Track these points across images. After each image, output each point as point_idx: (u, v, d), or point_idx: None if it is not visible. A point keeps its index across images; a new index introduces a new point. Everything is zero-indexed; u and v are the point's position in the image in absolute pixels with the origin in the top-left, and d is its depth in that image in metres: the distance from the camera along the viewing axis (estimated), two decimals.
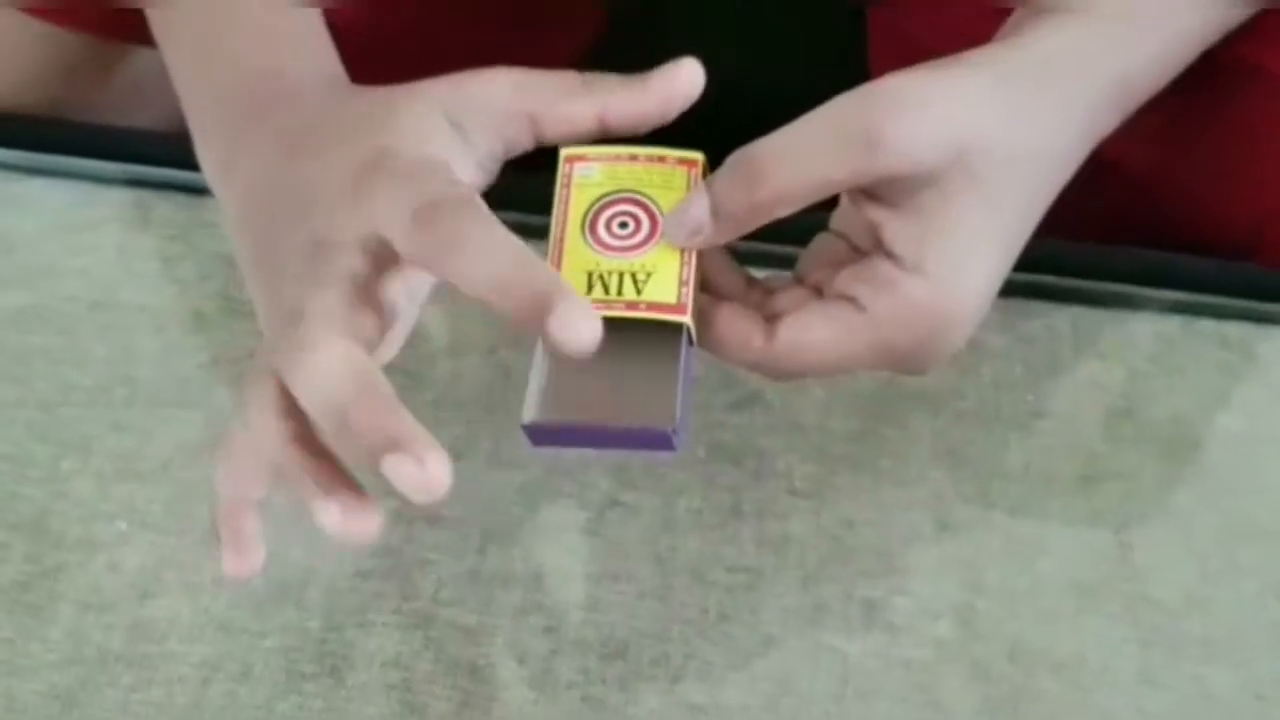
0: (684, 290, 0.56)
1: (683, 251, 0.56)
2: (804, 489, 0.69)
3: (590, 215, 0.57)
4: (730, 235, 0.56)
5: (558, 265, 0.56)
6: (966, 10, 0.68)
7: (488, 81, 0.58)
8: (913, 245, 0.56)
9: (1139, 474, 0.69)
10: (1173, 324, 0.74)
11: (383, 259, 0.54)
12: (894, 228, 0.56)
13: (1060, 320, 0.73)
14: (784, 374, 0.58)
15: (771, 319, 0.57)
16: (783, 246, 0.62)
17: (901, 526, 0.68)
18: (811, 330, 0.56)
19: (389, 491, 0.49)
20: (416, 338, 0.57)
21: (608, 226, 0.57)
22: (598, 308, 0.55)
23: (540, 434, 0.55)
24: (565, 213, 0.57)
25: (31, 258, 0.75)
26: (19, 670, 0.64)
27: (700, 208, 0.56)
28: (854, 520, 0.68)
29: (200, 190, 0.71)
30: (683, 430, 0.55)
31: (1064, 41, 0.59)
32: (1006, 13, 0.62)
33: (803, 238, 0.61)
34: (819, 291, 0.58)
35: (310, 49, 0.63)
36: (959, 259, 0.56)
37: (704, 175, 0.58)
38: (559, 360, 0.56)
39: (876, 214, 0.56)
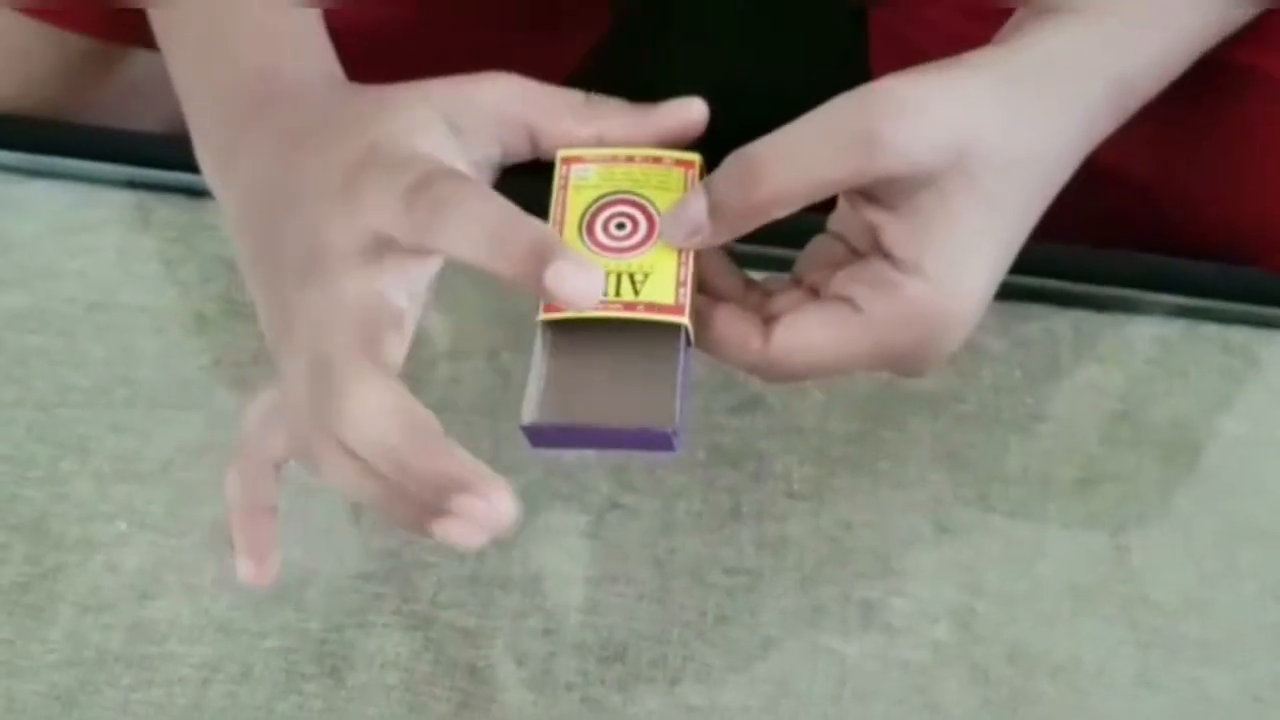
0: (682, 291, 0.56)
1: (680, 252, 0.56)
2: (803, 491, 0.69)
3: (587, 216, 0.57)
4: (728, 235, 0.56)
5: None
6: (966, 13, 0.68)
7: (491, 86, 0.58)
8: (910, 246, 0.56)
9: (1138, 477, 0.69)
10: (1173, 328, 0.74)
11: (382, 261, 0.54)
12: (892, 229, 0.56)
13: (1060, 324, 0.73)
14: (782, 375, 0.58)
15: (769, 320, 0.57)
16: (781, 249, 0.62)
17: (900, 529, 0.68)
18: (809, 331, 0.57)
19: None
20: (417, 341, 0.57)
21: (605, 228, 0.57)
22: (596, 309, 0.55)
23: (539, 435, 0.55)
24: (562, 214, 0.57)
25: (31, 259, 0.75)
26: (19, 671, 0.64)
27: (698, 208, 0.56)
28: (852, 522, 0.68)
29: (201, 193, 0.71)
30: (682, 431, 0.55)
31: (1063, 43, 0.59)
32: (1006, 15, 0.62)
33: (800, 240, 0.61)
34: (816, 293, 0.58)
35: (309, 49, 0.63)
36: (956, 260, 0.56)
37: (701, 176, 0.58)
38: (557, 361, 0.56)
39: (874, 215, 0.56)
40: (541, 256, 0.50)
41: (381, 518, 0.55)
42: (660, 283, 0.56)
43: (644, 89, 0.61)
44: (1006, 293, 0.60)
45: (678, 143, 0.58)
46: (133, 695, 0.63)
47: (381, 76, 0.60)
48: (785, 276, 0.60)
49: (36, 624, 0.65)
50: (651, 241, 0.56)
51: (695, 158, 0.58)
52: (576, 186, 0.58)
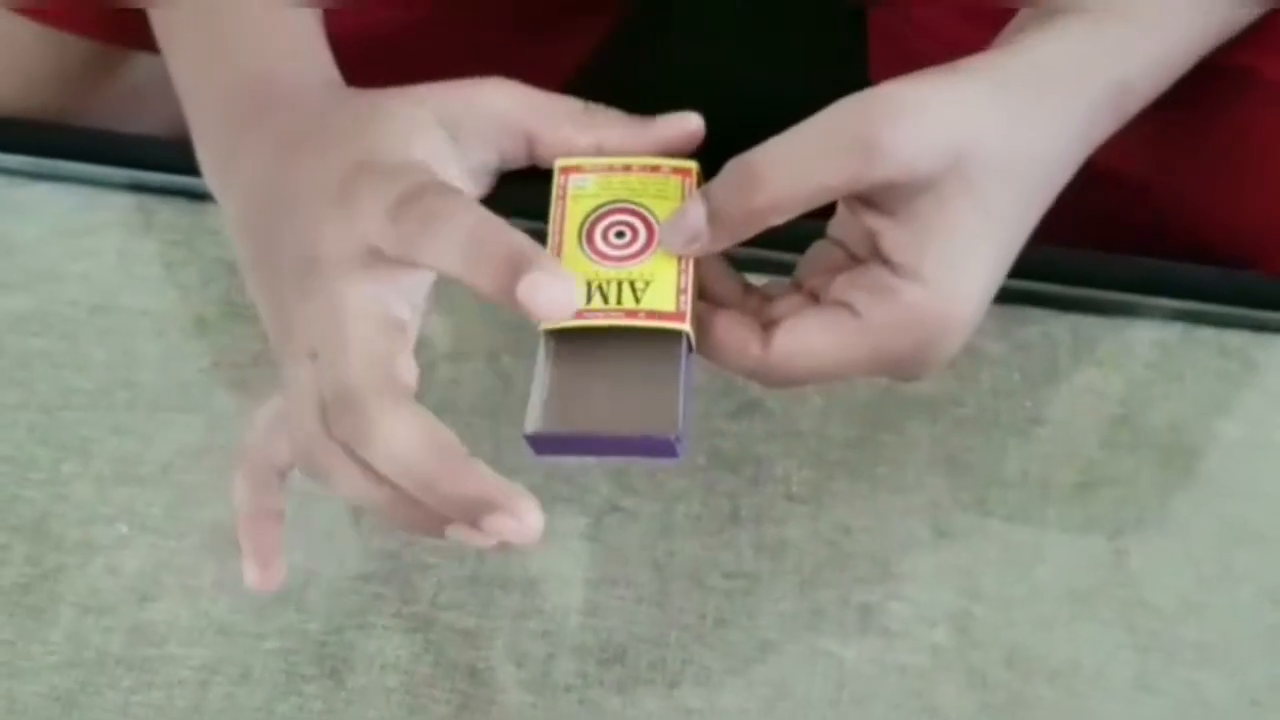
0: (682, 298, 0.56)
1: (680, 259, 0.56)
2: (801, 495, 0.69)
3: (587, 226, 0.57)
4: (727, 242, 0.56)
5: None
6: (964, 15, 0.68)
7: (490, 91, 0.59)
8: (909, 252, 0.56)
9: (1136, 480, 0.70)
10: (1171, 332, 0.74)
11: (377, 270, 0.54)
12: (890, 234, 0.56)
13: (1059, 328, 0.73)
14: (781, 380, 0.58)
15: (769, 325, 0.57)
16: (780, 253, 0.63)
17: (899, 533, 0.68)
18: (808, 336, 0.57)
19: None
20: (417, 344, 0.57)
21: (605, 236, 0.57)
22: (597, 317, 0.55)
23: (543, 444, 0.56)
24: (562, 224, 0.58)
25: (33, 262, 0.75)
26: (19, 672, 0.64)
27: (697, 215, 0.56)
28: (851, 526, 0.68)
29: (202, 196, 0.71)
30: (685, 437, 0.55)
31: (1063, 47, 0.59)
32: (1004, 18, 0.62)
33: (800, 245, 0.61)
34: (816, 298, 0.58)
35: (308, 54, 0.64)
36: (955, 265, 0.56)
37: (698, 183, 0.58)
38: (560, 369, 0.56)
39: (873, 221, 0.57)
40: (516, 268, 0.50)
41: (387, 524, 0.56)
42: (661, 290, 0.56)
43: (644, 90, 0.62)
44: (1005, 296, 0.60)
45: (674, 154, 0.58)
46: (133, 697, 0.63)
47: (384, 78, 0.60)
48: (785, 282, 0.61)
49: (37, 625, 0.65)
50: (651, 249, 0.57)
51: (692, 165, 0.58)
52: (575, 196, 0.58)
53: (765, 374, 0.58)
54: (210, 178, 0.63)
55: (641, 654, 0.65)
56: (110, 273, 0.75)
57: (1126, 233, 0.75)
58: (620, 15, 0.91)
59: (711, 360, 0.58)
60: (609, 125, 0.58)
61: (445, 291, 0.57)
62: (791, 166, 0.55)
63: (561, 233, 0.57)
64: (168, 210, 0.77)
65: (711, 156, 0.58)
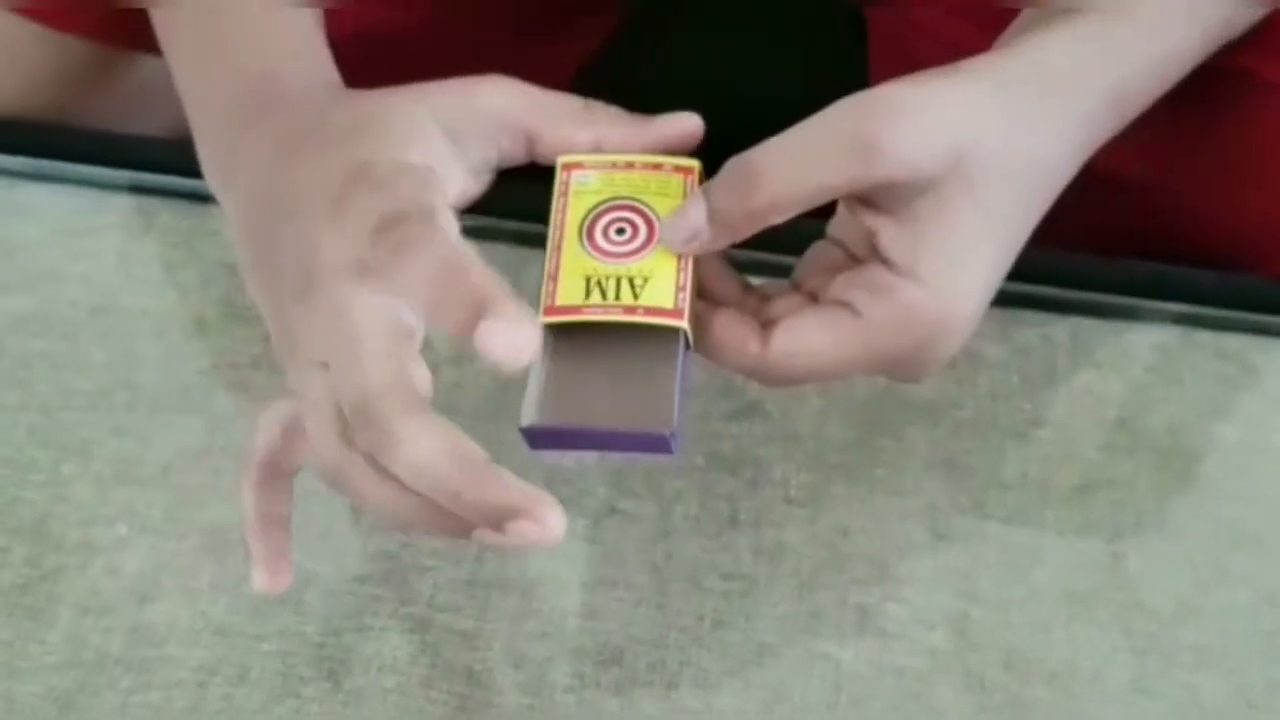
0: (681, 295, 0.56)
1: (680, 257, 0.57)
2: (800, 498, 0.69)
3: (588, 222, 0.57)
4: (727, 241, 0.56)
5: (556, 271, 0.56)
6: (961, 16, 0.68)
7: (490, 90, 0.59)
8: (908, 251, 0.56)
9: (1134, 483, 0.70)
10: (1170, 335, 0.74)
11: (377, 283, 0.54)
12: (889, 234, 0.56)
13: (1058, 331, 0.74)
14: (779, 379, 0.58)
15: (768, 325, 0.57)
16: (780, 256, 0.63)
17: (897, 535, 0.68)
18: (806, 335, 0.57)
19: None
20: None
21: (605, 233, 0.57)
22: (596, 312, 0.56)
23: (539, 437, 0.56)
24: (563, 220, 0.58)
25: (33, 263, 0.75)
26: (18, 673, 0.64)
27: (698, 213, 0.56)
28: (849, 529, 0.68)
29: (203, 197, 0.71)
30: (680, 434, 0.55)
31: (1063, 50, 0.59)
32: (1003, 20, 0.62)
33: (800, 247, 0.61)
34: (815, 298, 0.59)
35: (308, 56, 0.64)
36: (954, 265, 0.56)
37: (700, 182, 0.58)
38: (557, 364, 0.56)
39: (872, 220, 0.57)
40: (477, 312, 0.50)
41: (413, 532, 0.56)
42: (660, 287, 0.56)
43: (645, 90, 0.62)
44: (1004, 299, 0.60)
45: (673, 153, 0.59)
46: (131, 698, 0.63)
47: (385, 78, 0.60)
48: (785, 282, 0.61)
49: (36, 626, 0.65)
50: (651, 246, 0.57)
51: (694, 164, 0.58)
52: (577, 192, 0.58)
53: (763, 373, 0.58)
54: (211, 178, 0.63)
55: (639, 656, 0.65)
56: (110, 274, 0.75)
57: (1126, 236, 0.75)
58: (621, 16, 0.91)
59: (710, 358, 0.58)
60: (609, 123, 0.59)
61: None
62: (791, 166, 0.55)
63: (562, 228, 0.57)
64: (168, 212, 0.77)
65: (711, 156, 0.58)
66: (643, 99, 0.61)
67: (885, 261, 0.56)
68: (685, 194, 0.58)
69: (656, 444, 0.55)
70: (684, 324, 0.56)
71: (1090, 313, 0.74)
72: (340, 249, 0.54)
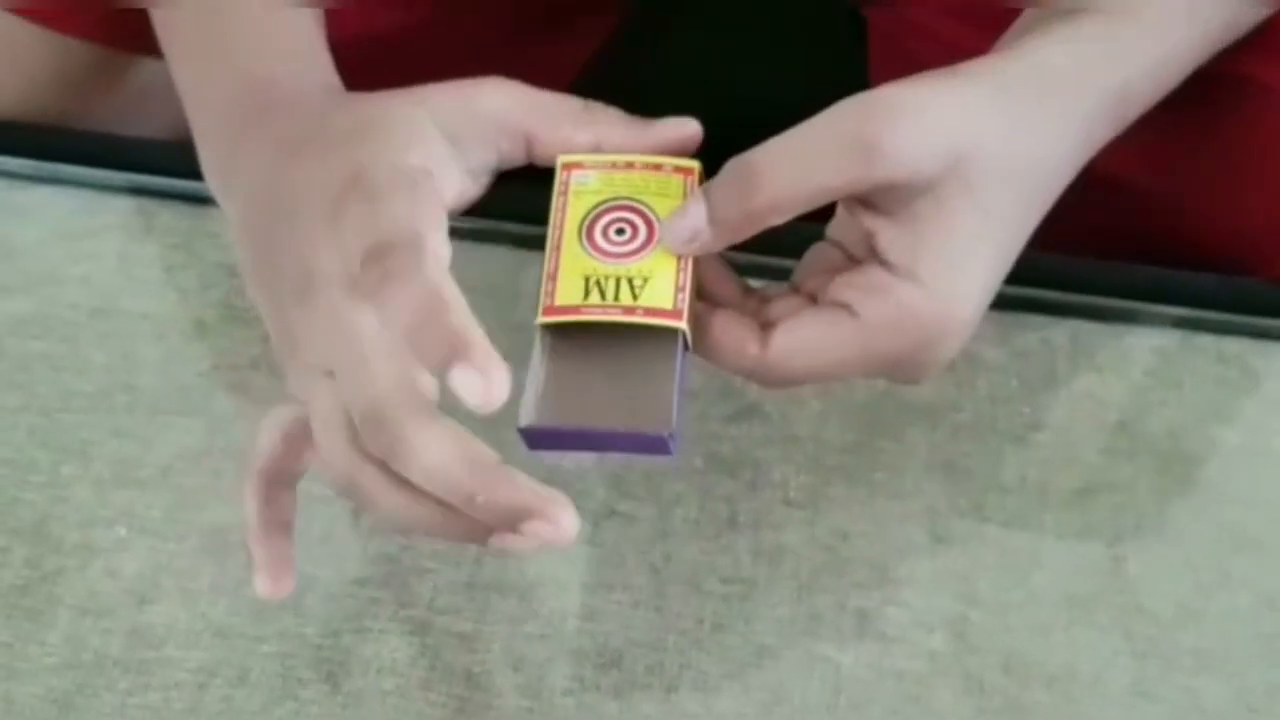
0: (680, 296, 0.56)
1: (679, 258, 0.57)
2: (799, 500, 0.69)
3: (587, 222, 0.57)
4: (727, 242, 0.56)
5: (555, 271, 0.56)
6: (959, 18, 0.68)
7: (490, 92, 0.59)
8: (906, 252, 0.56)
9: (1134, 487, 0.70)
10: (1170, 338, 0.74)
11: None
12: (888, 235, 0.56)
13: (1058, 334, 0.74)
14: (778, 381, 0.58)
15: (767, 326, 0.57)
16: (780, 259, 0.63)
17: (896, 538, 0.68)
18: (805, 337, 0.57)
19: None
20: None
21: (605, 233, 0.57)
22: (595, 312, 0.56)
23: (537, 437, 0.56)
24: (563, 219, 0.58)
25: (33, 265, 0.75)
26: (17, 674, 0.64)
27: (697, 214, 0.56)
28: (849, 532, 0.68)
29: (203, 200, 0.71)
30: (679, 435, 0.55)
31: (1062, 52, 0.59)
32: (1003, 22, 0.62)
33: (799, 249, 0.61)
34: (815, 299, 0.59)
35: (308, 59, 0.64)
36: (952, 266, 0.56)
37: (700, 182, 0.58)
38: (556, 364, 0.56)
39: (871, 221, 0.57)
40: (452, 355, 0.50)
41: (428, 538, 0.56)
42: (659, 288, 0.56)
43: (645, 90, 0.62)
44: (1004, 302, 0.60)
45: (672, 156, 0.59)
46: (130, 699, 0.63)
47: (386, 79, 0.60)
48: (784, 284, 0.61)
49: (35, 627, 0.65)
50: (651, 247, 0.57)
51: (695, 165, 0.58)
52: (577, 192, 0.58)
53: (762, 374, 0.58)
54: (211, 180, 0.64)
55: (639, 659, 0.65)
56: (110, 276, 0.75)
57: (1126, 238, 0.75)
58: (621, 16, 0.91)
59: (709, 359, 0.58)
60: (608, 125, 0.59)
61: None
62: (791, 167, 0.55)
63: (562, 228, 0.57)
64: (168, 214, 0.77)
65: (712, 156, 0.58)
66: (643, 99, 0.61)
67: (884, 263, 0.56)
68: (685, 194, 0.58)
69: (655, 445, 0.55)
70: (683, 325, 0.56)
71: (1090, 316, 0.74)
72: (336, 260, 0.54)
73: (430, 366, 0.51)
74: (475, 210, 0.60)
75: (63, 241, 0.76)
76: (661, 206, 0.57)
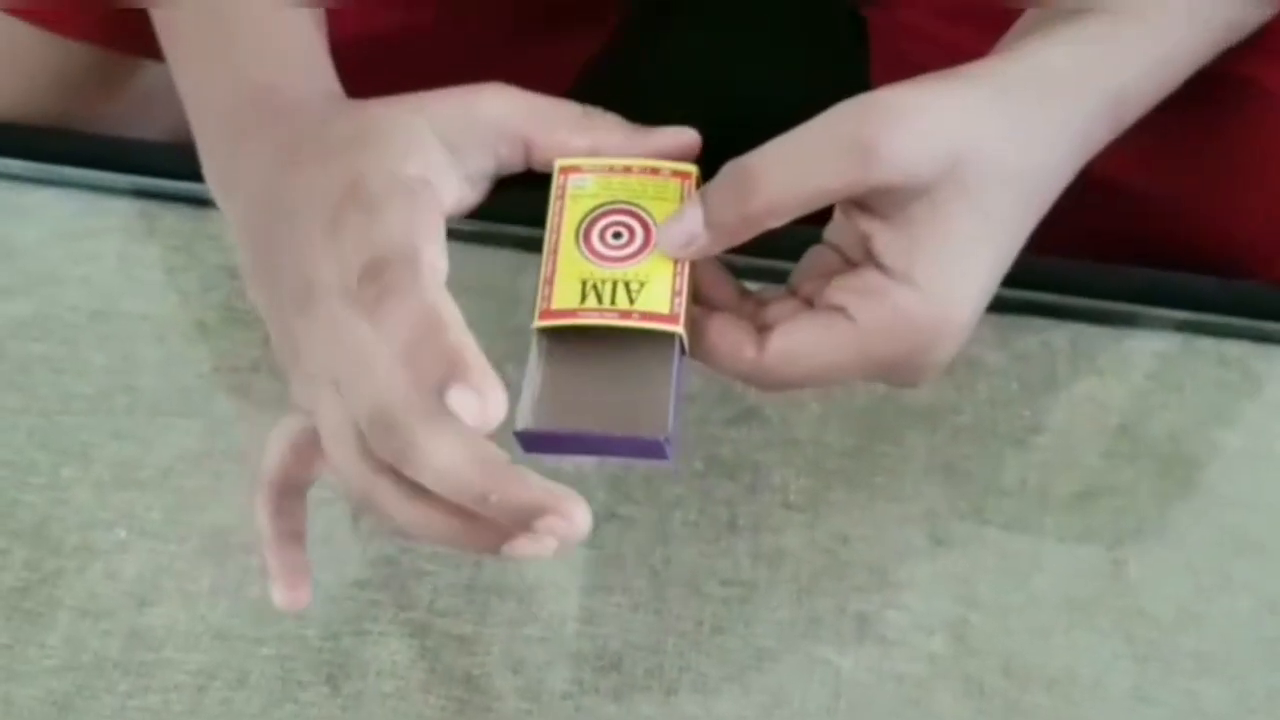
0: (677, 300, 0.56)
1: (676, 262, 0.57)
2: (799, 503, 0.69)
3: (584, 225, 0.57)
4: (723, 245, 0.56)
5: (552, 275, 0.56)
6: (953, 20, 0.68)
7: (489, 98, 0.59)
8: (902, 256, 0.56)
9: (1135, 490, 0.69)
10: (1171, 341, 0.74)
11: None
12: (884, 238, 0.56)
13: (1058, 337, 0.73)
14: (775, 384, 0.58)
15: (763, 330, 0.57)
16: (777, 261, 0.63)
17: (896, 541, 0.68)
18: (801, 340, 0.57)
19: None
20: None
21: (602, 237, 0.57)
22: (591, 317, 0.55)
23: (533, 441, 0.56)
24: (559, 223, 0.58)
25: (34, 266, 0.75)
26: (16, 676, 0.64)
27: (694, 218, 0.56)
28: (848, 535, 0.68)
29: (205, 202, 0.71)
30: (675, 439, 0.55)
31: (1062, 54, 0.59)
32: (1001, 24, 0.62)
33: (797, 252, 0.61)
34: (811, 303, 0.58)
35: (309, 66, 0.64)
36: (948, 270, 0.56)
37: (697, 186, 0.58)
38: (553, 368, 0.56)
39: (867, 224, 0.57)
40: (448, 375, 0.50)
41: (442, 545, 0.56)
42: (656, 292, 0.56)
43: (645, 92, 0.62)
44: (1004, 306, 0.60)
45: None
46: (129, 701, 0.63)
47: (387, 81, 0.60)
48: (781, 287, 0.61)
49: (35, 629, 0.65)
50: (648, 251, 0.57)
51: (692, 169, 0.58)
52: (574, 196, 0.58)
53: (759, 377, 0.58)
54: (213, 187, 0.64)
55: (638, 661, 0.65)
56: (111, 277, 0.75)
57: (1126, 242, 0.75)
58: (621, 17, 0.91)
59: (705, 363, 0.58)
60: (606, 130, 0.59)
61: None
62: (788, 170, 0.55)
63: (559, 232, 0.57)
64: (169, 215, 0.77)
65: (712, 158, 0.58)
66: (643, 99, 0.61)
67: (880, 266, 0.56)
68: (682, 198, 0.58)
69: (651, 449, 0.55)
70: (679, 329, 0.56)
71: (1091, 319, 0.74)
72: (335, 270, 0.54)
73: (427, 386, 0.51)
74: (476, 213, 0.60)
75: (63, 243, 0.76)
76: (658, 210, 0.57)
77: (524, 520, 0.51)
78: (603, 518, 0.68)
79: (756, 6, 0.93)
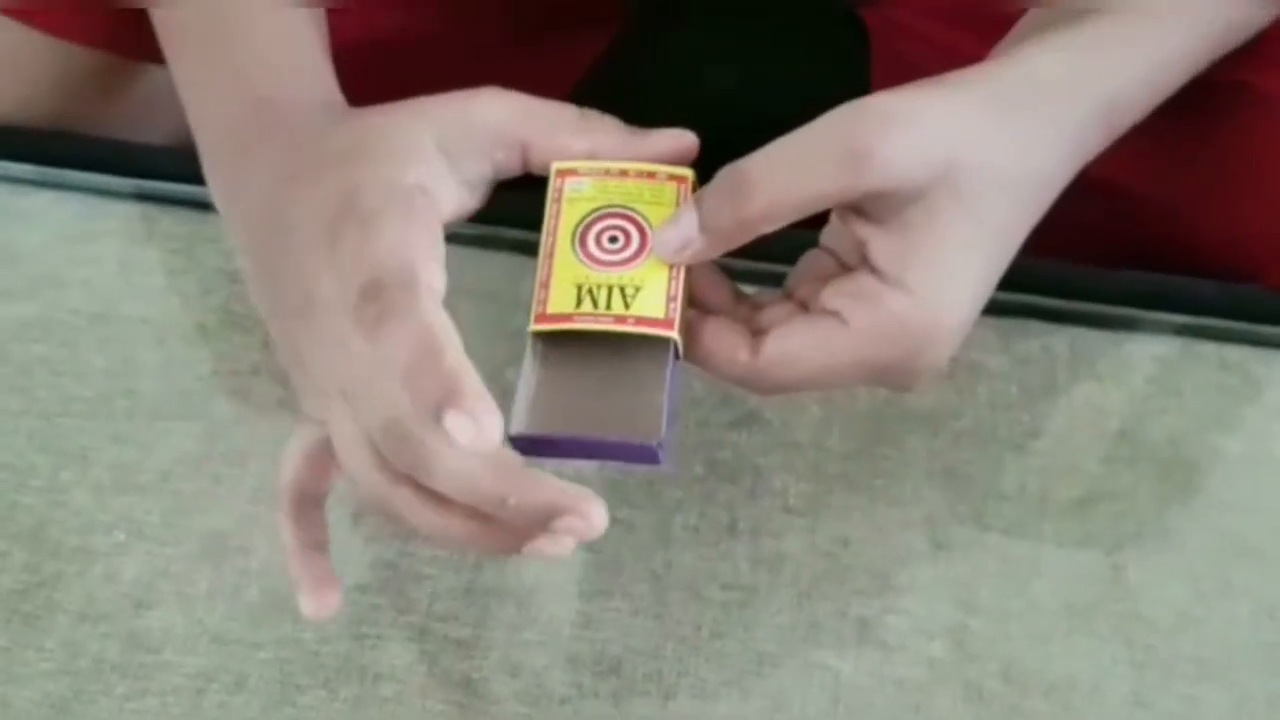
0: (672, 305, 0.56)
1: (671, 267, 0.56)
2: (799, 507, 0.69)
3: (580, 229, 0.57)
4: (719, 250, 0.56)
5: (547, 278, 0.56)
6: (950, 23, 0.68)
7: (487, 103, 0.59)
8: (895, 260, 0.56)
9: (1134, 495, 0.69)
10: (1171, 346, 0.74)
11: None
12: (879, 243, 0.56)
13: (1058, 341, 0.73)
14: (770, 387, 0.58)
15: (758, 333, 0.57)
16: (773, 265, 0.63)
17: (896, 546, 0.68)
18: (795, 344, 0.57)
19: None
20: None
21: (598, 241, 0.57)
22: (587, 321, 0.55)
23: (527, 445, 0.56)
24: (556, 226, 0.58)
25: (35, 269, 0.75)
26: (15, 678, 0.64)
27: (689, 223, 0.56)
28: (849, 539, 0.68)
29: (204, 205, 0.71)
30: (668, 445, 0.55)
31: (1056, 60, 0.59)
32: (1000, 28, 0.62)
33: (793, 256, 0.61)
34: (807, 307, 0.58)
35: (310, 72, 0.64)
36: (942, 274, 0.56)
37: (693, 190, 0.58)
38: (547, 372, 0.56)
39: (863, 229, 0.57)
40: (445, 399, 0.50)
41: (462, 550, 0.56)
42: (651, 296, 0.56)
43: (644, 93, 0.62)
44: (1004, 310, 0.60)
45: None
46: (127, 704, 0.64)
47: (387, 85, 0.60)
48: (777, 291, 0.61)
49: (33, 632, 0.65)
50: (643, 255, 0.57)
51: (688, 173, 0.58)
52: (570, 199, 0.58)
53: (754, 381, 0.57)
54: (217, 200, 0.64)
55: (637, 666, 0.65)
56: (111, 280, 0.75)
57: (1125, 246, 0.75)
58: (622, 21, 0.91)
59: (700, 367, 0.58)
60: (604, 133, 0.58)
61: (446, 306, 0.57)
62: (783, 175, 0.55)
63: (555, 235, 0.57)
64: (169, 219, 0.77)
65: (712, 159, 0.58)
66: (643, 100, 0.61)
67: (874, 271, 0.56)
68: (678, 203, 0.57)
69: (644, 454, 0.55)
70: (674, 334, 0.56)
71: (1090, 323, 0.74)
72: (335, 285, 0.54)
73: (424, 409, 0.51)
74: (475, 217, 0.60)
75: (64, 246, 0.76)
76: (654, 214, 0.57)
77: (542, 521, 0.52)
78: None
79: (757, 9, 0.93)
